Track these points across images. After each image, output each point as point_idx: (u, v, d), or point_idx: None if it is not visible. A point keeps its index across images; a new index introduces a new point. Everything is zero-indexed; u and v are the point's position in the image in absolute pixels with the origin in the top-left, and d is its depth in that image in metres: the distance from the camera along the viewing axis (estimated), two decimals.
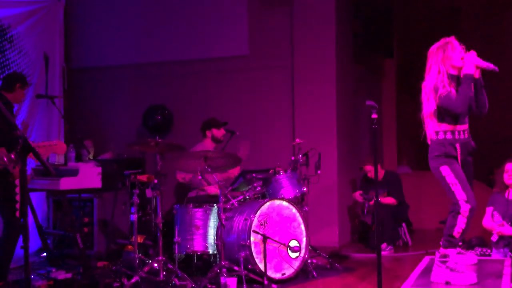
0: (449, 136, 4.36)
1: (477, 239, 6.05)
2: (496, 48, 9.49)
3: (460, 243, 4.42)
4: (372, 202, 7.27)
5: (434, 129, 4.38)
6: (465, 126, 4.42)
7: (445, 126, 4.36)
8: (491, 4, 9.95)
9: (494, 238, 5.45)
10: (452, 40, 4.40)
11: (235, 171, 6.58)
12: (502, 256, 5.29)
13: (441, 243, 4.41)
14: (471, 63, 4.28)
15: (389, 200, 7.35)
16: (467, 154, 4.41)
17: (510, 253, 5.26)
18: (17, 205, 4.97)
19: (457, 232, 4.29)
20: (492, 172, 8.34)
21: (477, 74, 4.35)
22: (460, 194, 4.27)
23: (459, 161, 4.33)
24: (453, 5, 10.12)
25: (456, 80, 4.36)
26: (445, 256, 4.35)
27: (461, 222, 4.26)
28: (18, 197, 4.94)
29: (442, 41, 4.42)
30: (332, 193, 7.53)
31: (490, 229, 5.52)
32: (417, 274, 4.66)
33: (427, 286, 4.36)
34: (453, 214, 4.29)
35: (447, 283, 4.32)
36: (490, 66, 4.28)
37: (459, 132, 4.37)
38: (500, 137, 9.68)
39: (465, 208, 4.25)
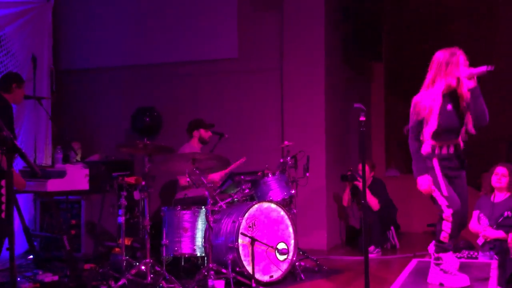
0: (429, 149, 4.34)
1: (464, 242, 6.07)
2: (486, 52, 9.54)
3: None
4: (357, 183, 7.29)
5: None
6: (449, 142, 4.34)
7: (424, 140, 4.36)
8: (481, 7, 10.00)
9: (480, 241, 5.48)
10: (460, 54, 4.30)
11: (216, 176, 6.57)
12: (488, 259, 5.31)
13: (432, 246, 4.41)
14: (467, 76, 4.22)
15: (373, 201, 7.33)
16: (448, 169, 4.35)
17: (495, 256, 5.28)
18: (3, 206, 4.94)
19: (443, 237, 4.29)
20: (479, 176, 8.39)
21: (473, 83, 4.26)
22: (442, 200, 4.25)
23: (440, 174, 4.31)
24: (442, 9, 10.17)
25: (448, 96, 4.34)
26: (438, 258, 4.37)
27: (446, 227, 4.25)
28: (3, 198, 4.91)
29: (450, 50, 4.33)
30: (321, 195, 7.55)
31: (476, 233, 5.55)
32: (404, 277, 4.67)
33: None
34: (438, 220, 4.30)
35: (441, 284, 4.34)
36: (483, 68, 4.18)
37: (440, 147, 4.33)
38: (487, 141, 9.72)
39: (447, 213, 4.23)
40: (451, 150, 4.34)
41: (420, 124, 4.35)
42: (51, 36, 7.82)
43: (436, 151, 4.33)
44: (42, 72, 7.54)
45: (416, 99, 4.38)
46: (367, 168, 7.43)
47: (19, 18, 7.26)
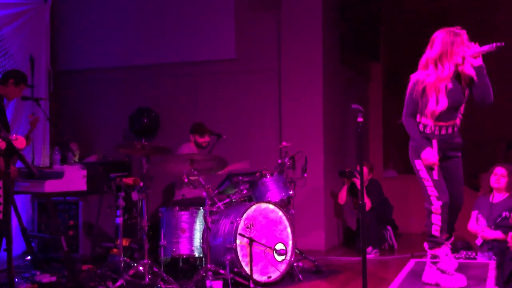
0: (428, 130, 4.34)
1: (462, 242, 6.08)
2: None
3: (450, 241, 4.41)
4: (355, 180, 7.28)
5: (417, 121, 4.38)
6: (449, 122, 4.34)
7: (425, 120, 4.34)
8: (479, 7, 10.01)
9: (479, 242, 5.48)
10: (463, 34, 4.28)
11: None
12: (487, 259, 5.32)
13: (426, 244, 4.42)
14: (474, 55, 4.20)
15: (366, 201, 7.30)
16: (449, 150, 4.37)
17: (494, 256, 5.29)
18: (0, 207, 4.94)
19: (435, 230, 4.28)
20: (476, 176, 8.40)
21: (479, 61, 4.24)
22: (432, 191, 4.26)
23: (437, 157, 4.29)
24: (441, 9, 10.17)
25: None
26: (435, 257, 4.36)
27: (436, 220, 4.26)
28: (1, 199, 4.91)
29: (453, 30, 4.30)
30: (319, 196, 7.54)
31: (475, 233, 5.55)
32: (402, 277, 4.67)
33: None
34: (427, 214, 4.30)
35: (437, 284, 4.34)
36: (492, 46, 4.15)
37: (440, 127, 4.32)
38: (484, 141, 9.74)
39: (436, 206, 4.24)
40: (450, 130, 4.35)
41: (417, 102, 4.32)
42: (49, 37, 7.81)
43: (436, 132, 4.32)
44: (40, 73, 7.54)
45: (416, 77, 4.34)
46: (366, 170, 7.43)
47: (17, 19, 7.25)
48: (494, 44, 4.15)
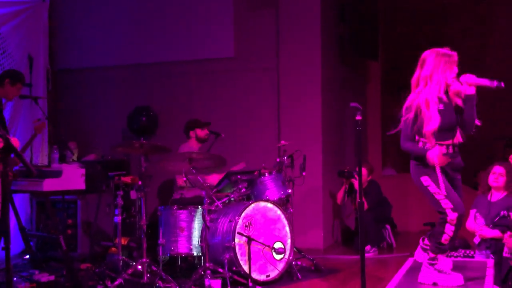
0: (428, 147, 4.29)
1: (460, 241, 6.08)
2: (481, 51, 9.55)
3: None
4: (354, 180, 7.28)
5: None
6: (446, 142, 4.28)
7: (424, 139, 4.29)
8: (476, 6, 10.03)
9: (477, 240, 5.49)
10: (454, 55, 4.28)
11: (213, 179, 6.57)
12: (484, 258, 5.33)
13: (427, 244, 4.41)
14: (470, 83, 4.18)
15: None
16: (450, 169, 4.32)
17: (492, 255, 5.30)
18: None
19: (444, 239, 4.26)
20: (475, 175, 8.41)
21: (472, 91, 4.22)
22: (446, 203, 4.20)
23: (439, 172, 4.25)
24: (438, 8, 10.18)
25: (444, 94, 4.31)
26: (434, 259, 4.37)
27: (449, 230, 4.22)
28: None
29: (444, 51, 4.29)
30: (317, 195, 7.54)
31: (472, 231, 5.56)
32: (401, 276, 4.68)
33: (412, 287, 4.38)
34: (441, 222, 4.26)
35: (434, 284, 4.35)
36: (493, 83, 4.12)
37: (440, 146, 4.25)
38: (483, 139, 9.72)
39: (452, 217, 4.18)
40: (450, 150, 4.32)
41: (414, 124, 4.29)
42: (47, 36, 7.81)
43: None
44: (38, 72, 7.53)
45: (410, 100, 4.33)
46: (365, 171, 7.43)
47: (15, 18, 7.25)
48: (495, 83, 4.12)
